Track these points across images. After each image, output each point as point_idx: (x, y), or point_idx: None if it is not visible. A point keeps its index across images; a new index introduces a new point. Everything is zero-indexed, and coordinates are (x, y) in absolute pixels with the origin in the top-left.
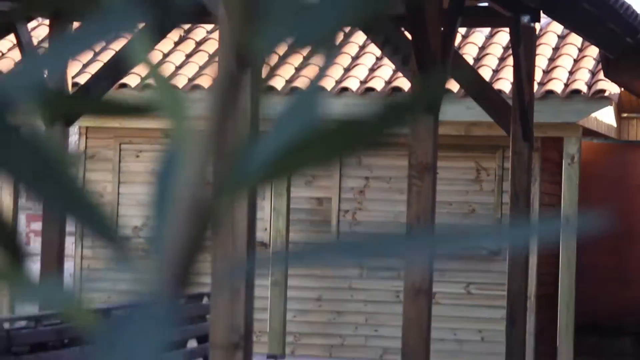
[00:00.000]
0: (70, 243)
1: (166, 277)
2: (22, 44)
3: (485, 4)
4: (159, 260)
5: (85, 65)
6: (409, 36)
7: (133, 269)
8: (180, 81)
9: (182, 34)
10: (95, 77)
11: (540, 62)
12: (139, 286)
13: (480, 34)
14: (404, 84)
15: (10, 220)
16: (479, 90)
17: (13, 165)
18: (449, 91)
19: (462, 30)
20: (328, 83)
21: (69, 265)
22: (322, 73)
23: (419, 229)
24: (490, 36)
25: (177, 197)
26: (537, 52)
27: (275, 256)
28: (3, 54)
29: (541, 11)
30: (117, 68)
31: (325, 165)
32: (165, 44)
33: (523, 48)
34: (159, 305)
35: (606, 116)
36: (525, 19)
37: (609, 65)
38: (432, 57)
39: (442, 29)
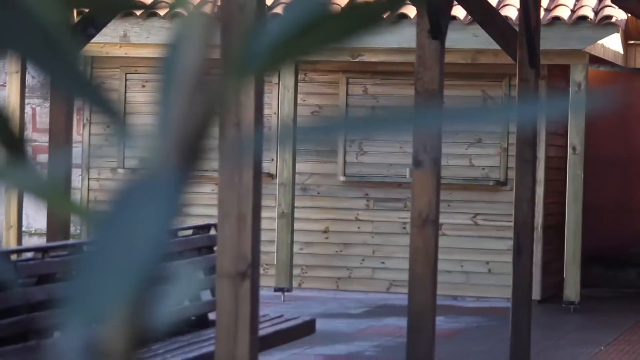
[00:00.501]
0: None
1: (173, 153)
2: None
3: None
4: (166, 137)
5: None
6: None
7: (137, 145)
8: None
9: None
10: None
11: None
12: (145, 162)
13: None
14: (411, 10)
15: (14, 122)
16: (485, 16)
17: (23, 43)
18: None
19: None
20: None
21: (76, 146)
22: None
23: (427, 105)
24: None
25: (184, 78)
26: None
27: (283, 131)
28: None
29: None
30: None
31: (329, 48)
32: None
33: None
34: (165, 179)
35: (613, 43)
36: None
37: None
38: None
39: None
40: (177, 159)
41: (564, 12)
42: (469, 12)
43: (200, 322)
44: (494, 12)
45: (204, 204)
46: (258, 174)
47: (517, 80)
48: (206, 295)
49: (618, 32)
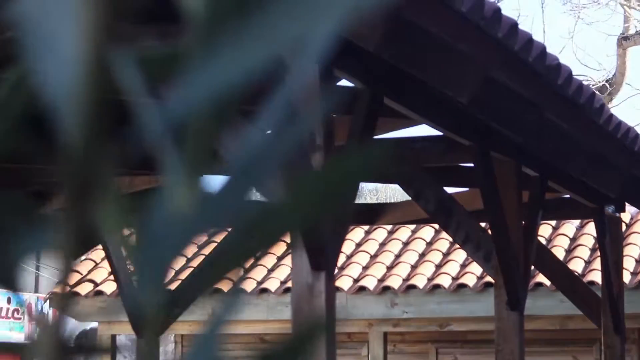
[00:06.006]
0: None
1: None
2: (111, 255)
3: (568, 196)
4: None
5: None
6: (490, 232)
7: None
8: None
9: None
10: None
11: (633, 252)
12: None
13: (570, 225)
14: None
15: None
16: (567, 283)
17: None
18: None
19: (552, 222)
20: (419, 281)
21: None
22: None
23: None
24: (581, 227)
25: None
26: (629, 241)
27: None
28: (97, 264)
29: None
30: None
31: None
32: None
33: (609, 238)
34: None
35: None
36: (610, 209)
37: None
38: (513, 252)
39: (522, 222)
40: None
41: None
42: (550, 280)
43: None
44: (576, 279)
45: None
46: None
47: (602, 347)
48: None
49: None
